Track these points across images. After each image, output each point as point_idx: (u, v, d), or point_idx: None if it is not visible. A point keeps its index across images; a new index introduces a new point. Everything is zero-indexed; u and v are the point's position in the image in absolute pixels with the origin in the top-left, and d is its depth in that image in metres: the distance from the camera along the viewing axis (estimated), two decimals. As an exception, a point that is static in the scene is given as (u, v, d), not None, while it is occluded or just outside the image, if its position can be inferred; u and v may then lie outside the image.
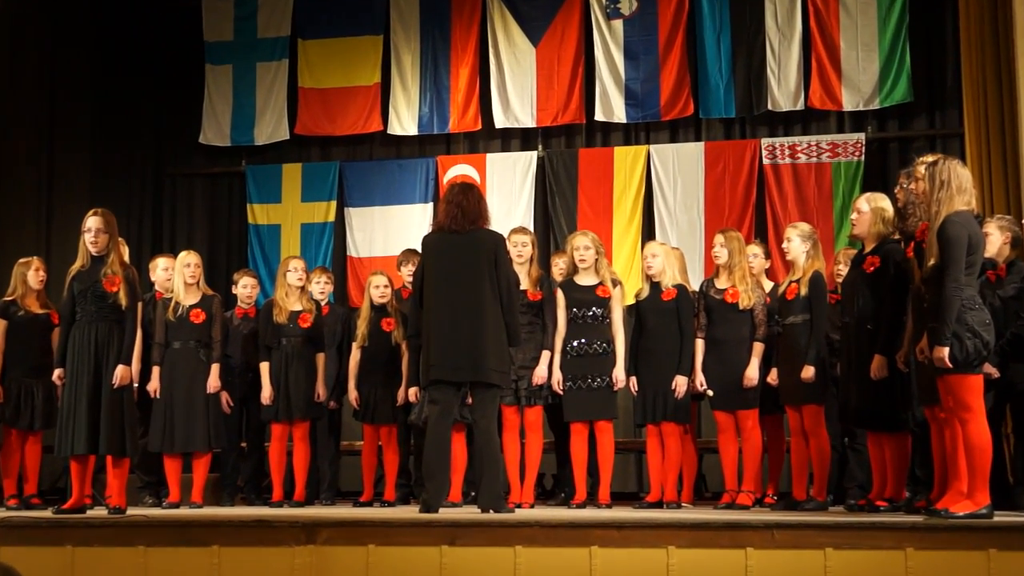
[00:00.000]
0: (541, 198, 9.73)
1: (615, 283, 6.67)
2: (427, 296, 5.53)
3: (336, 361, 7.50)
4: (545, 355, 6.60)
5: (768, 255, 7.22)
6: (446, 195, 5.70)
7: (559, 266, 7.10)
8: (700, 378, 6.50)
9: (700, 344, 6.55)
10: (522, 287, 6.41)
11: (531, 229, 7.58)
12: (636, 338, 6.65)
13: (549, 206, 9.70)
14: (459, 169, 9.84)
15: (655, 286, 6.62)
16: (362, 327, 7.13)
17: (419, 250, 5.96)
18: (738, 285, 6.45)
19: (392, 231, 9.90)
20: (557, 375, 6.55)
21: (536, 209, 9.64)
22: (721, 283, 6.53)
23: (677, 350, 6.50)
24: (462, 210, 5.49)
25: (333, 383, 7.44)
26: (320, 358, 7.27)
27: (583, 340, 6.57)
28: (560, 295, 6.63)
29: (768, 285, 6.86)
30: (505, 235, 6.15)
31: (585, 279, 6.61)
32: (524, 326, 6.42)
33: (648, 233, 9.45)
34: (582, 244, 6.62)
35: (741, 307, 6.45)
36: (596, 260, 6.63)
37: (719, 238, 6.59)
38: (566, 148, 9.91)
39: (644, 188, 9.55)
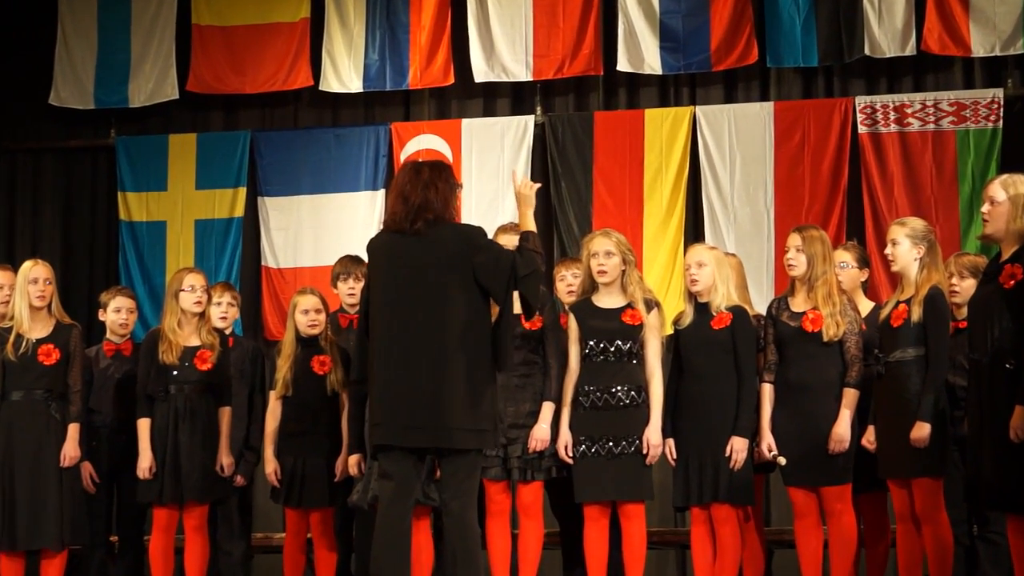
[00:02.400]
0: (541, 182, 9.30)
1: (649, 305, 6.73)
2: (372, 325, 5.61)
3: (245, 418, 7.56)
4: (547, 408, 6.66)
5: (866, 263, 7.27)
6: (394, 181, 5.80)
7: (567, 281, 7.18)
8: (768, 440, 6.58)
9: (768, 391, 6.64)
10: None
11: (526, 228, 7.47)
12: (675, 383, 6.74)
13: (552, 194, 9.76)
14: (423, 141, 9.94)
15: (702, 308, 6.72)
16: (284, 369, 7.18)
17: (364, 259, 6.04)
18: (822, 307, 6.51)
19: (327, 231, 9.97)
20: (565, 436, 6.63)
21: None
22: (798, 304, 6.62)
23: (733, 400, 6.59)
24: (408, 201, 5.60)
25: (241, 449, 7.46)
26: (224, 414, 7.32)
27: (603, 387, 6.66)
28: (571, 322, 6.72)
29: (866, 306, 6.95)
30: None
31: (606, 299, 6.73)
32: (518, 366, 6.54)
33: (694, 232, 9.50)
34: (602, 249, 6.71)
35: (826, 338, 6.50)
36: (623, 272, 6.72)
37: (795, 239, 6.66)
38: (576, 111, 9.99)
39: (688, 168, 9.60)
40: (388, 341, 5.55)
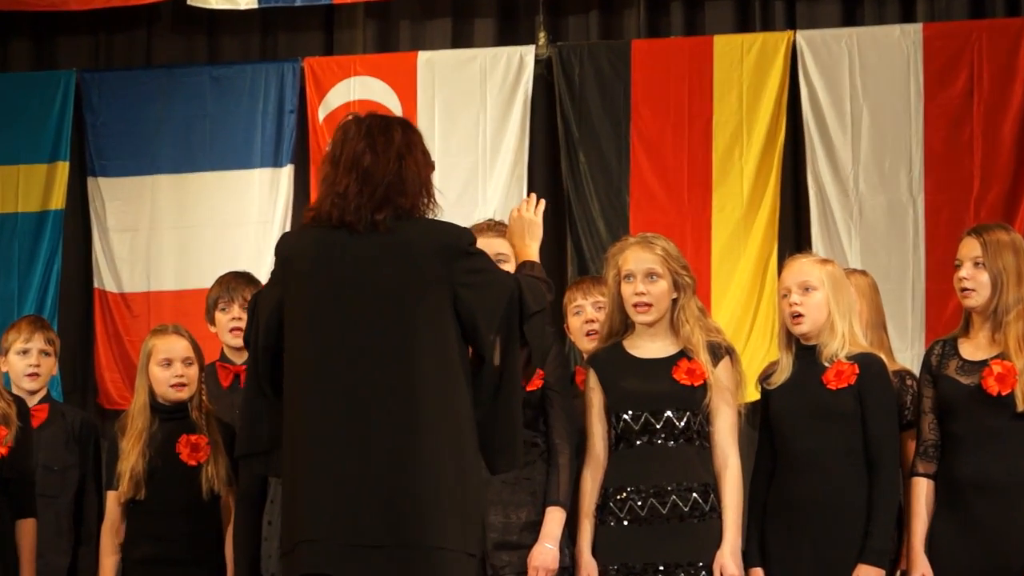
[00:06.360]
0: (545, 153, 8.94)
1: (718, 352, 6.11)
2: (290, 375, 4.95)
3: (68, 535, 6.93)
4: (554, 518, 5.90)
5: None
6: (335, 144, 5.00)
7: (587, 314, 6.58)
8: (921, 569, 5.83)
9: (923, 491, 5.91)
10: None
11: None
12: (764, 478, 6.15)
13: (564, 172, 8.95)
14: (355, 88, 9.05)
15: (808, 357, 6.00)
16: (132, 457, 6.38)
17: (261, 276, 5.86)
18: (1015, 355, 5.78)
19: (200, 233, 9.12)
20: (589, 565, 5.92)
21: (534, 179, 8.84)
22: (976, 350, 5.92)
23: (861, 505, 5.83)
24: (373, 177, 4.66)
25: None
26: (26, 530, 6.51)
27: (647, 486, 5.86)
28: (592, 382, 6.15)
29: (1087, 355, 6.92)
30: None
31: (648, 345, 6.10)
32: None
33: (794, 236, 8.78)
34: (641, 267, 6.02)
35: (1023, 406, 5.80)
36: (674, 302, 6.03)
37: (972, 247, 5.95)
38: (602, 39, 9.17)
39: (784, 127, 8.76)
40: (319, 405, 4.75)
